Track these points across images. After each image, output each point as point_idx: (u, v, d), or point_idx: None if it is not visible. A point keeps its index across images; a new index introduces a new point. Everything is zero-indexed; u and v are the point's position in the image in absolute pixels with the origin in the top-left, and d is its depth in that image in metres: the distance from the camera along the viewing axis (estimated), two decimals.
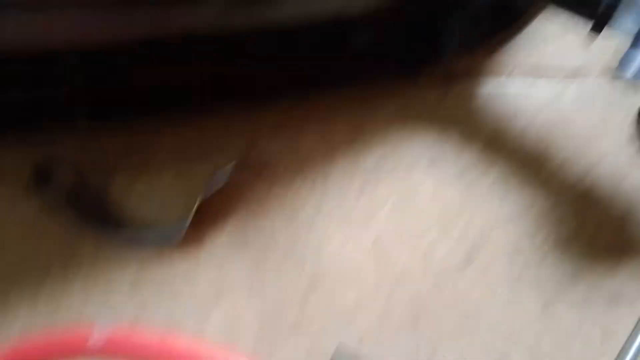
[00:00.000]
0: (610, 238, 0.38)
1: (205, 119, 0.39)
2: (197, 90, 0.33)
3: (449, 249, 0.39)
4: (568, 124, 0.38)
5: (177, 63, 0.31)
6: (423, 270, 0.39)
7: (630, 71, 0.26)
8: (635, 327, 0.38)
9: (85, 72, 0.30)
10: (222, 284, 0.39)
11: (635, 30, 0.26)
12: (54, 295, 0.38)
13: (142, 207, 0.39)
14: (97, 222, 0.37)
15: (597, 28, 0.27)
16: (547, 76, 0.39)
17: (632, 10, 0.26)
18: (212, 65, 0.34)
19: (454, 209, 0.39)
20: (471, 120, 0.39)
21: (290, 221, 0.39)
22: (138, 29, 0.26)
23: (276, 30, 0.30)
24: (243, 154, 0.39)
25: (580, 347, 0.38)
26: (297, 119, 0.39)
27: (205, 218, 0.39)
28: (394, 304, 0.38)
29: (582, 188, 0.38)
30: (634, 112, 0.35)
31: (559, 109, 0.38)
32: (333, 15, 0.30)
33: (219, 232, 0.39)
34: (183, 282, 0.39)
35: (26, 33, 0.23)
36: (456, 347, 0.38)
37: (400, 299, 0.38)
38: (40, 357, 0.33)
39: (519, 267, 0.39)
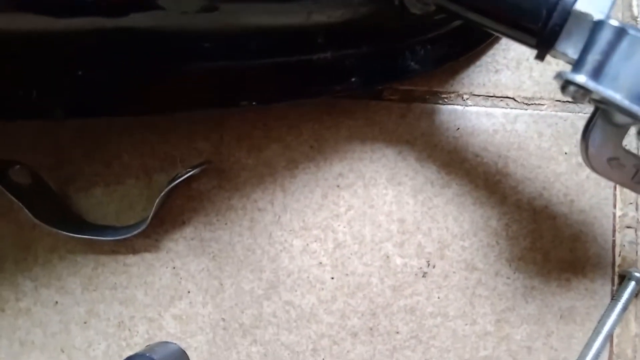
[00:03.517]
0: (563, 256, 0.39)
1: (169, 124, 0.40)
2: (161, 94, 0.34)
3: (405, 262, 0.39)
4: (523, 147, 0.39)
5: (143, 64, 0.32)
6: (380, 281, 0.39)
7: (570, 94, 0.27)
8: (585, 345, 0.39)
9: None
10: (177, 290, 0.39)
11: (576, 57, 0.27)
12: (1, 293, 0.38)
13: (101, 210, 0.39)
14: (54, 222, 0.37)
15: (541, 55, 0.28)
16: (503, 100, 0.40)
17: (574, 38, 0.27)
18: (176, 69, 0.34)
19: (411, 224, 0.39)
20: (430, 138, 0.40)
21: (248, 230, 0.39)
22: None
23: (237, 36, 0.31)
24: (205, 161, 0.39)
25: None
26: (261, 128, 0.40)
27: (163, 224, 0.39)
28: (350, 313, 0.39)
29: (536, 207, 0.39)
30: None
31: (513, 131, 0.40)
32: (295, 27, 0.31)
33: (176, 239, 0.39)
34: (136, 286, 0.39)
35: None
36: (411, 357, 0.38)
37: (357, 309, 0.39)
38: None
39: (473, 282, 0.39)
